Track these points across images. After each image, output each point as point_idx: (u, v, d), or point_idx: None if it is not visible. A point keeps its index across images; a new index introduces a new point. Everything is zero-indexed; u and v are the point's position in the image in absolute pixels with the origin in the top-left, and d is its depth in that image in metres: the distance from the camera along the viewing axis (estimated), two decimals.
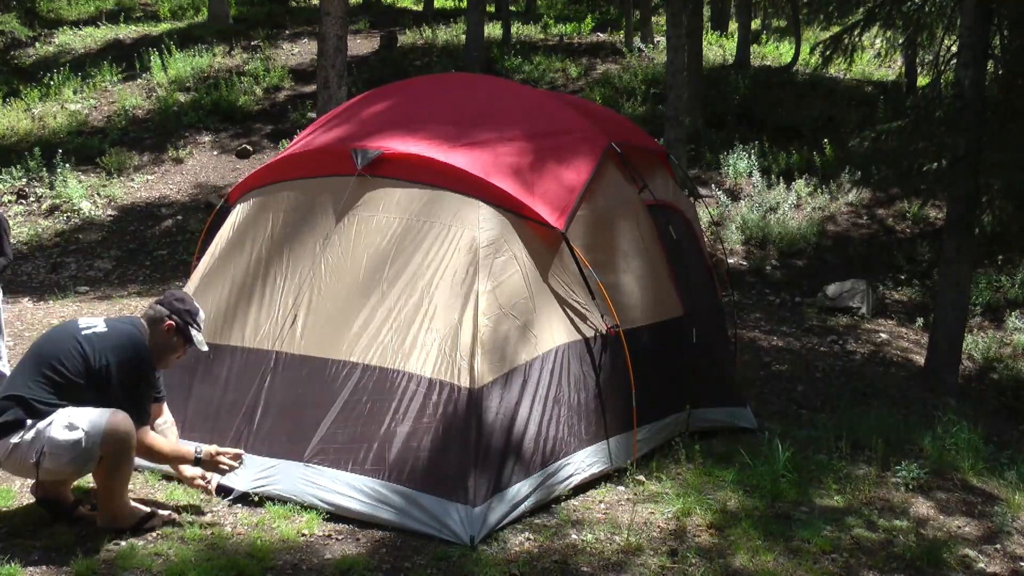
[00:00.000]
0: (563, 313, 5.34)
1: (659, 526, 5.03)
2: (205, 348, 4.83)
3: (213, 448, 4.77)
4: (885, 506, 5.52)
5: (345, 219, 5.40)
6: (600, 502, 5.31)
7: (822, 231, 12.83)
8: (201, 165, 14.36)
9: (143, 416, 4.53)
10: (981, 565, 4.98)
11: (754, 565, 4.68)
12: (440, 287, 5.05)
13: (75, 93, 16.06)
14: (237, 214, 5.89)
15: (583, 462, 5.30)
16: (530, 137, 5.77)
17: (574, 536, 4.85)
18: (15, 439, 4.25)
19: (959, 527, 5.40)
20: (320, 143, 5.81)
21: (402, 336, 5.01)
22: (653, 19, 20.67)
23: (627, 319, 5.68)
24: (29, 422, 4.26)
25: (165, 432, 4.88)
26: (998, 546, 5.24)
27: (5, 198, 13.37)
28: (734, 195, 13.59)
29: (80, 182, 13.53)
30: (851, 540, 5.03)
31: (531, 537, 4.80)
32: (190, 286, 5.80)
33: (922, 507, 5.60)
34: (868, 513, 5.39)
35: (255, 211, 5.78)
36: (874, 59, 17.37)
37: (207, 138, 14.97)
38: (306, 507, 4.89)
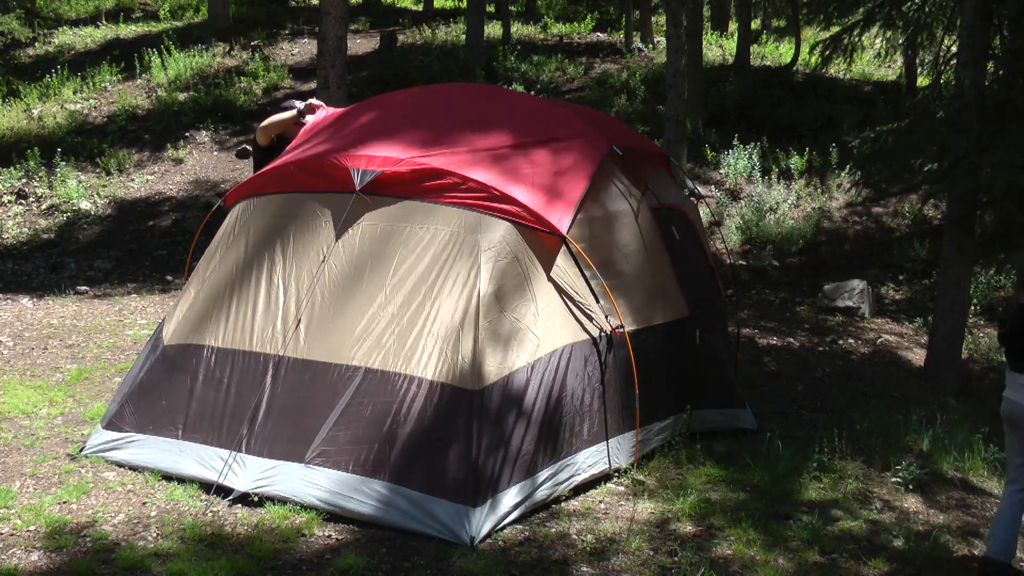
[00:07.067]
0: (567, 314, 5.34)
1: (659, 526, 5.03)
2: None
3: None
4: (884, 505, 5.53)
5: (349, 228, 5.40)
6: (600, 502, 5.31)
7: (821, 230, 12.83)
8: (201, 165, 14.35)
9: None
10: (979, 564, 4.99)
11: (754, 564, 4.68)
12: (442, 291, 5.05)
13: (75, 93, 16.04)
14: (237, 219, 5.87)
15: (584, 462, 5.31)
16: (531, 143, 5.77)
17: (574, 536, 4.85)
18: None
19: (958, 525, 5.41)
20: (320, 157, 5.69)
21: (404, 339, 5.01)
22: (653, 19, 20.66)
23: (631, 320, 5.69)
24: None
25: None
26: None
27: (5, 198, 13.36)
28: (734, 195, 13.59)
29: (80, 182, 13.52)
30: (851, 539, 5.04)
31: (531, 537, 4.81)
32: (190, 288, 5.80)
33: (922, 506, 5.60)
34: (867, 512, 5.39)
35: (256, 217, 5.76)
36: (874, 59, 17.34)
37: (206, 137, 14.96)
38: (306, 507, 4.89)
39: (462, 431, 4.77)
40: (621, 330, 5.50)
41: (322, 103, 6.80)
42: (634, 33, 19.73)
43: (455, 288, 5.04)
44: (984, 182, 7.89)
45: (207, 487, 5.10)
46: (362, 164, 5.42)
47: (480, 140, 5.67)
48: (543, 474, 5.04)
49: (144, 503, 5.01)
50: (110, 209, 13.27)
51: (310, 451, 4.94)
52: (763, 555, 4.78)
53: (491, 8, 22.79)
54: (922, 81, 15.59)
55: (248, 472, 5.03)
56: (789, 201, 13.12)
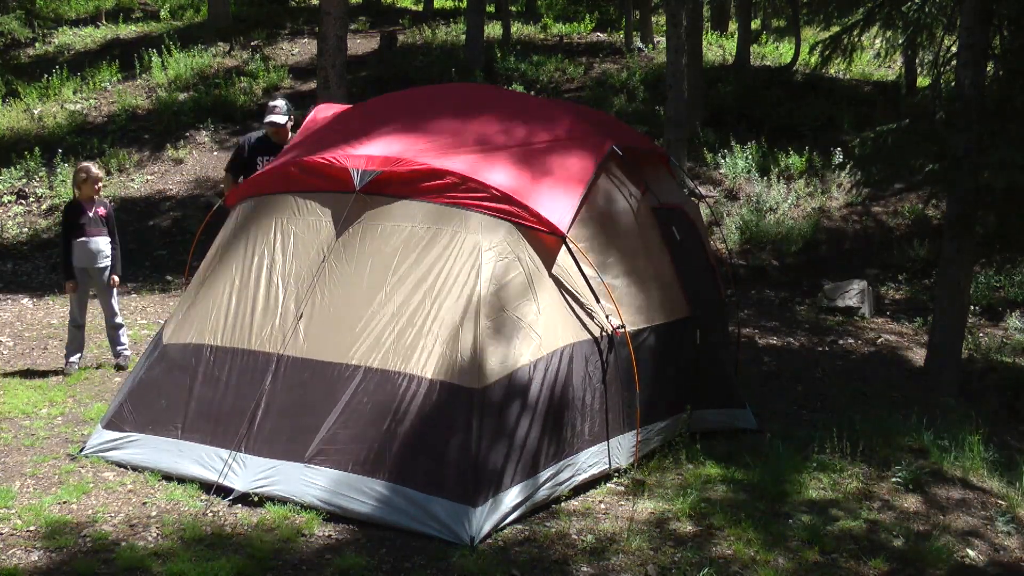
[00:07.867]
0: (568, 314, 5.34)
1: (659, 526, 5.03)
2: None
3: None
4: (884, 505, 5.53)
5: (349, 227, 5.40)
6: (600, 501, 5.31)
7: (821, 230, 12.84)
8: (201, 165, 14.35)
9: None
10: (979, 564, 4.99)
11: (754, 564, 4.68)
12: (443, 290, 5.05)
13: (75, 93, 16.05)
14: (238, 219, 5.88)
15: (585, 462, 5.31)
16: (531, 143, 5.77)
17: (574, 536, 4.85)
18: None
19: (958, 525, 5.41)
20: (320, 157, 5.67)
21: (404, 338, 5.01)
22: (653, 19, 20.68)
23: (633, 320, 5.68)
24: None
25: None
26: (995, 544, 5.25)
27: (5, 198, 13.37)
28: (733, 195, 13.60)
29: None
30: (850, 539, 5.04)
31: (531, 537, 4.81)
32: (192, 288, 5.80)
33: (921, 506, 5.60)
34: (867, 512, 5.39)
35: (257, 217, 5.76)
36: (874, 59, 17.35)
37: (206, 137, 14.96)
38: (306, 507, 4.89)
39: (463, 430, 4.76)
40: (622, 330, 5.50)
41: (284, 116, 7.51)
42: (634, 33, 19.74)
43: (455, 287, 5.04)
44: (984, 182, 7.89)
45: (207, 487, 5.10)
46: (362, 164, 5.42)
47: (480, 140, 5.67)
48: (545, 474, 5.04)
49: (144, 503, 5.01)
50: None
51: (310, 450, 4.94)
52: (763, 555, 4.78)
53: (491, 8, 22.80)
54: (922, 81, 15.60)
55: (248, 472, 5.03)
56: (789, 201, 13.13)
